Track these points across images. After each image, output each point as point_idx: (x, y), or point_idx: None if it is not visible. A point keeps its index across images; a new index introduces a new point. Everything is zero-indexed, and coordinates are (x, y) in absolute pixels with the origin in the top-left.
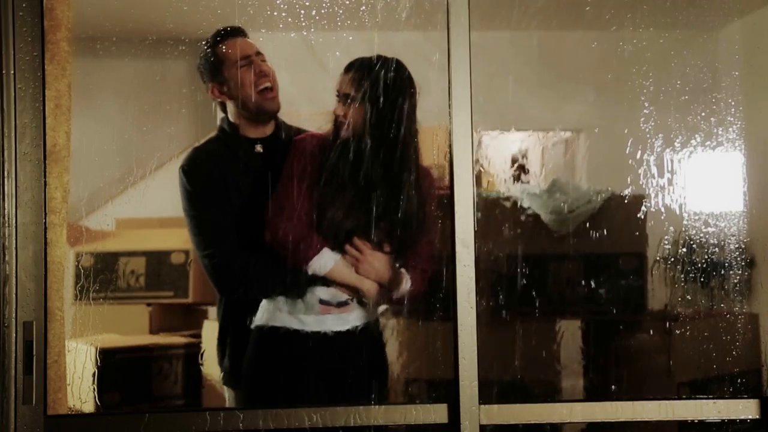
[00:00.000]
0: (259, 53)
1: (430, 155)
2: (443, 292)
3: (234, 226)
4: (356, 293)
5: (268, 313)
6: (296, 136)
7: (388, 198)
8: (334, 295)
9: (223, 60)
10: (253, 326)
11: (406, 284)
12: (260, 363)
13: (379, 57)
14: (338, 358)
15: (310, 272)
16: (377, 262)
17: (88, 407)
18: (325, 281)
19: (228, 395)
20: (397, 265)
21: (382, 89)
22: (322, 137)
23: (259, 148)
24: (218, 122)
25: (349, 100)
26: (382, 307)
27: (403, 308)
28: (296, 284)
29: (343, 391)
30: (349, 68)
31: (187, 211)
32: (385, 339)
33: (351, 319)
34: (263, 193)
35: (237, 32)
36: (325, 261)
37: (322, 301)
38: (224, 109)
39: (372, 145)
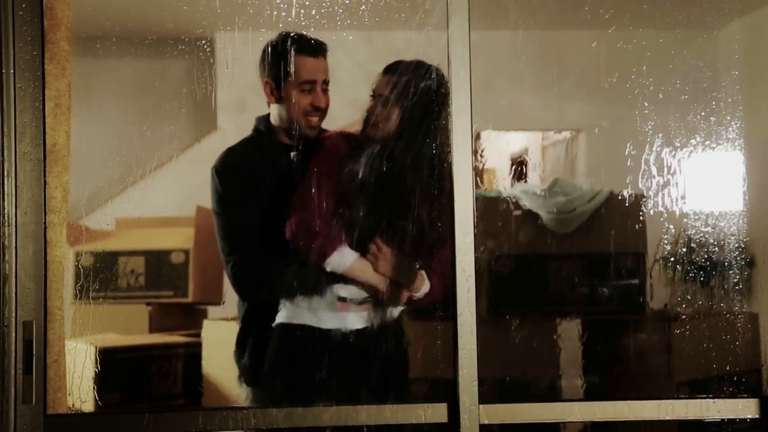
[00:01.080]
0: (326, 81)
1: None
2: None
3: (260, 231)
4: (374, 292)
5: (289, 310)
6: (326, 133)
7: (413, 200)
8: (353, 293)
9: (292, 73)
10: (274, 324)
11: (425, 287)
12: (281, 360)
13: (419, 62)
14: (357, 355)
15: (328, 269)
16: (396, 261)
17: (88, 407)
18: (345, 279)
19: (246, 393)
20: (418, 267)
21: (417, 94)
22: (351, 135)
23: (293, 155)
24: (255, 122)
25: (382, 101)
26: (402, 307)
27: (420, 310)
28: (316, 283)
29: (360, 389)
30: (387, 70)
31: (216, 213)
32: (407, 339)
33: (370, 317)
34: (291, 197)
35: (320, 50)
36: (345, 258)
37: (340, 299)
38: (268, 106)
39: (400, 147)
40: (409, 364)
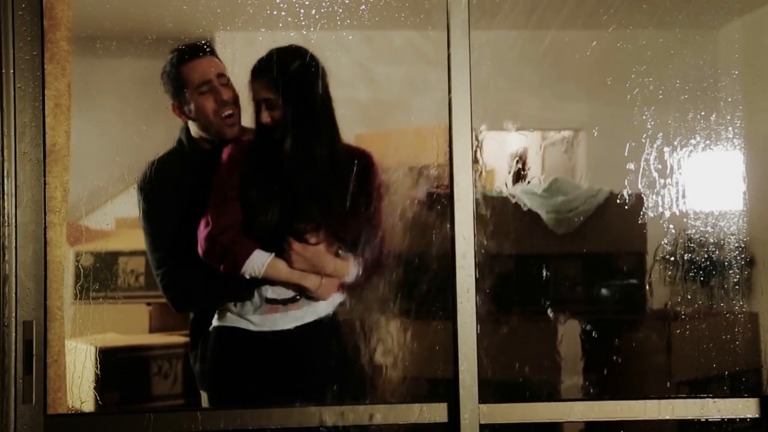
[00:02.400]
0: (221, 75)
1: (430, 155)
2: (443, 291)
3: (186, 244)
4: (299, 289)
5: (222, 314)
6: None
7: (315, 191)
8: (280, 293)
9: (184, 82)
10: (211, 328)
11: (354, 269)
12: (217, 363)
13: (278, 50)
14: (292, 355)
15: (246, 275)
16: (308, 253)
17: (88, 407)
18: (270, 281)
19: (203, 397)
20: (342, 254)
21: (296, 81)
22: (247, 143)
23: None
24: (178, 133)
25: (267, 105)
26: (338, 301)
27: (361, 294)
28: (241, 289)
29: (301, 389)
30: (257, 73)
31: (143, 227)
32: (344, 332)
33: (302, 315)
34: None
35: (199, 51)
36: (257, 261)
37: (268, 300)
38: (186, 124)
39: (291, 140)
40: (349, 358)
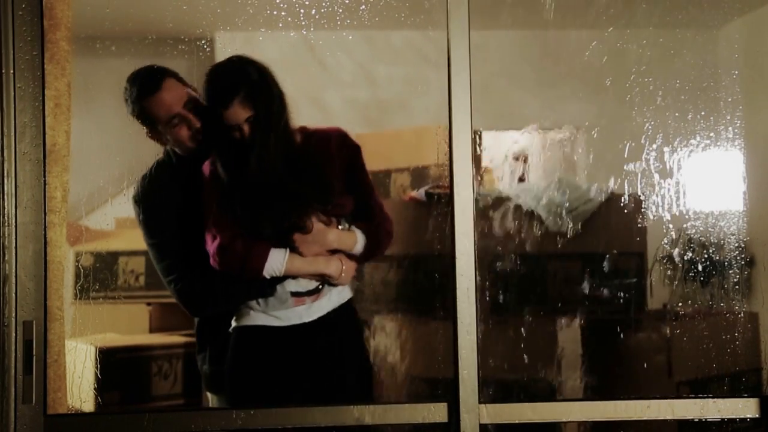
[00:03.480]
0: (187, 102)
1: (431, 154)
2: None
3: (192, 248)
4: (323, 278)
5: (242, 314)
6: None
7: (296, 180)
8: (304, 284)
9: (152, 118)
10: (231, 329)
11: (360, 239)
12: (242, 363)
13: (233, 67)
14: (320, 346)
15: (268, 276)
16: (313, 236)
17: (88, 407)
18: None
19: (212, 400)
20: (342, 227)
21: (262, 95)
22: (215, 159)
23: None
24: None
25: (250, 122)
26: (351, 287)
27: (373, 258)
28: (263, 286)
29: (327, 380)
30: (230, 98)
31: (146, 240)
32: (361, 319)
33: (323, 305)
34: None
35: (157, 83)
36: (276, 260)
37: (293, 294)
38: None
39: (264, 140)
40: (364, 347)
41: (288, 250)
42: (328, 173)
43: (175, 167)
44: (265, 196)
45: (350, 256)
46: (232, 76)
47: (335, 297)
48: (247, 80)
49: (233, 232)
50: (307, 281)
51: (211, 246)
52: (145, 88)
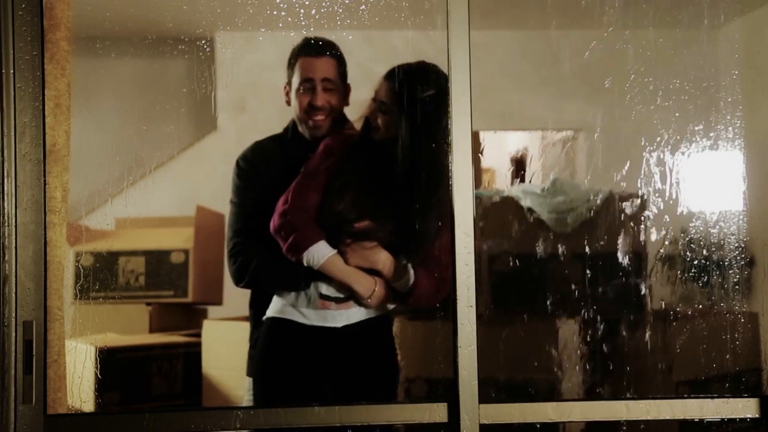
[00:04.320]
0: (326, 79)
1: None
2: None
3: (264, 224)
4: (352, 293)
5: (278, 305)
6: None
7: (399, 201)
8: (335, 290)
9: (294, 72)
10: (264, 318)
11: (408, 277)
12: (268, 354)
13: (421, 66)
14: (338, 353)
15: (305, 262)
16: (362, 247)
17: (88, 407)
18: (328, 277)
19: (247, 384)
20: (404, 261)
21: (416, 102)
22: (348, 137)
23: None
24: (288, 122)
25: (384, 108)
26: (390, 305)
27: (409, 306)
28: (296, 278)
29: (344, 386)
30: (390, 77)
31: (231, 201)
32: (395, 336)
33: (352, 314)
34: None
35: (322, 49)
36: (319, 252)
37: (322, 296)
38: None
39: (395, 153)
40: (394, 363)
41: (336, 250)
42: (437, 218)
43: (286, 143)
44: (360, 192)
45: (390, 286)
46: (407, 70)
47: (366, 310)
48: (439, 85)
49: (303, 205)
50: (337, 288)
51: (279, 207)
52: (309, 46)
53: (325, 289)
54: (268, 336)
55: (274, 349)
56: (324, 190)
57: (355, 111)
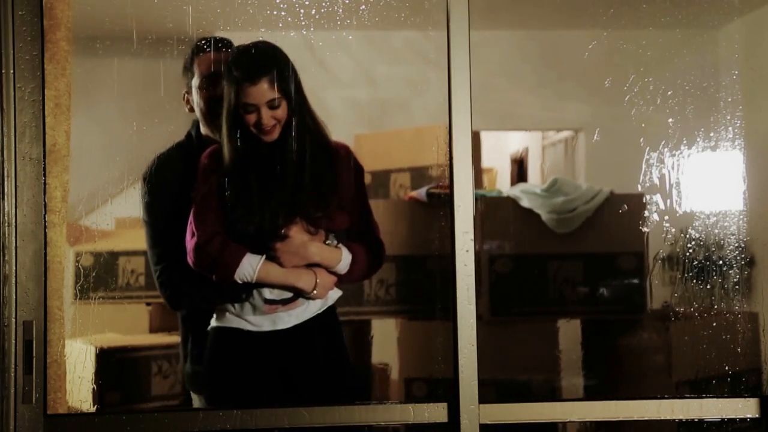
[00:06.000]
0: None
1: (431, 154)
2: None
3: (185, 240)
4: (296, 291)
5: (219, 315)
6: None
7: (292, 186)
8: (279, 293)
9: (194, 73)
10: (209, 328)
11: (346, 258)
12: (217, 364)
13: (257, 48)
14: (292, 354)
15: (239, 281)
16: (292, 247)
17: (88, 407)
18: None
19: (195, 400)
20: (330, 242)
21: (288, 77)
22: (216, 149)
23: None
24: (189, 126)
25: (273, 104)
26: (336, 295)
27: (355, 282)
28: (236, 291)
29: (302, 387)
30: (258, 75)
31: (144, 221)
32: (342, 327)
33: (301, 313)
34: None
35: (215, 45)
36: (249, 267)
37: (267, 301)
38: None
39: (282, 140)
40: (346, 356)
41: (263, 257)
42: (329, 184)
43: (190, 151)
44: (260, 194)
45: (331, 272)
46: (265, 55)
47: (313, 306)
48: (279, 62)
49: (213, 229)
50: (282, 290)
51: (190, 242)
52: (203, 45)
53: (269, 293)
54: (216, 347)
55: (226, 359)
56: (222, 207)
57: (354, 110)
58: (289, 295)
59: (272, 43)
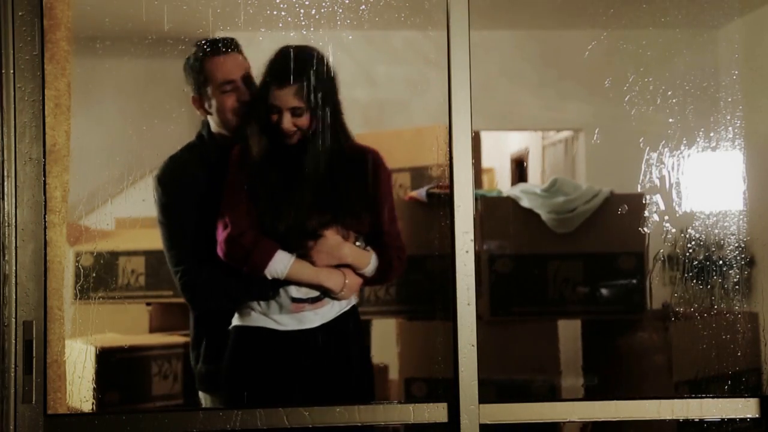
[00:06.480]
0: (246, 76)
1: (431, 154)
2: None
3: (205, 239)
4: (324, 290)
5: (243, 314)
6: (232, 149)
7: (326, 187)
8: (306, 292)
9: (207, 78)
10: (230, 327)
11: (374, 261)
12: (239, 363)
13: (299, 53)
14: (318, 353)
15: (269, 277)
16: (326, 246)
17: (88, 407)
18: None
19: (204, 400)
20: (359, 244)
21: (318, 86)
22: (250, 145)
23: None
24: (199, 127)
25: (297, 112)
26: (358, 296)
27: (377, 285)
28: (264, 288)
29: (326, 386)
30: (285, 80)
31: (160, 222)
32: (364, 327)
33: (327, 312)
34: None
35: (225, 47)
36: (281, 263)
37: (294, 299)
38: (206, 118)
39: (307, 143)
40: (369, 354)
41: (295, 255)
42: (360, 188)
43: (204, 152)
44: (292, 193)
45: (357, 274)
46: (301, 62)
47: (338, 306)
48: (312, 72)
49: (246, 223)
50: (309, 289)
51: (221, 234)
52: (212, 49)
53: (296, 291)
54: (238, 346)
55: (249, 358)
56: (254, 201)
57: (353, 110)
58: (315, 294)
59: (317, 50)
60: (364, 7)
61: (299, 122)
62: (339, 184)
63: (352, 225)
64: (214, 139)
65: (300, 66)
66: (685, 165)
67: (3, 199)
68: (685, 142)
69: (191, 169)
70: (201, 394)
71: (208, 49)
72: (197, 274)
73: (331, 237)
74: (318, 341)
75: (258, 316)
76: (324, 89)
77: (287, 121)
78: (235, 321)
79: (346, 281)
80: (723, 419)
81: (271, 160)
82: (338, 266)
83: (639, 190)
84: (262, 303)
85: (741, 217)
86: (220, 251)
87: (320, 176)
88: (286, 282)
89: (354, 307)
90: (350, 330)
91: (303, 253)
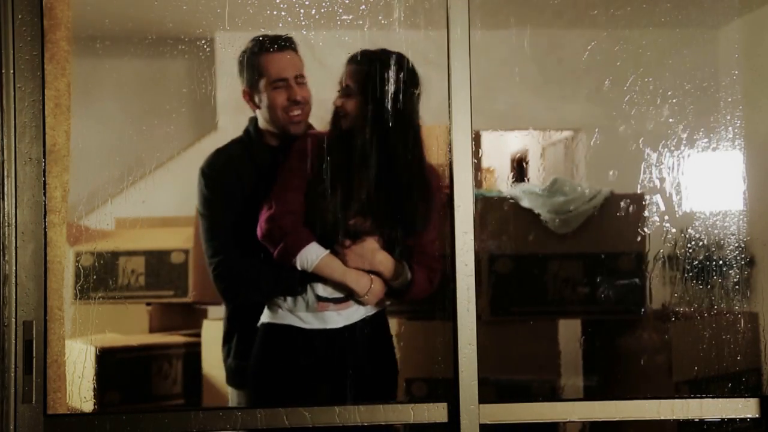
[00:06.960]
0: (299, 75)
1: (431, 154)
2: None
3: (243, 233)
4: (349, 292)
5: (273, 310)
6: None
7: (383, 193)
8: (332, 291)
9: (262, 73)
10: (259, 324)
11: (406, 275)
12: (265, 360)
13: (383, 51)
14: (340, 354)
15: (298, 266)
16: (363, 249)
17: (88, 407)
18: (324, 278)
19: (231, 395)
20: (401, 260)
21: (382, 83)
22: (320, 135)
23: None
24: (247, 123)
25: (349, 92)
26: (386, 302)
27: (406, 301)
28: (292, 283)
29: (346, 388)
30: (352, 60)
31: (201, 214)
32: (393, 333)
33: (351, 314)
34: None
35: (284, 45)
36: (311, 254)
37: (319, 298)
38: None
39: (367, 140)
40: (394, 361)
41: (328, 251)
42: (416, 209)
43: (250, 147)
44: (348, 192)
45: (385, 282)
46: (372, 68)
47: (363, 310)
48: (375, 60)
49: (289, 209)
50: (334, 288)
51: (264, 213)
52: (270, 45)
53: (322, 290)
54: (266, 343)
55: (275, 355)
56: (305, 192)
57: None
58: (340, 294)
59: (399, 62)
60: (364, 7)
61: (347, 104)
62: (398, 197)
63: (396, 240)
64: (261, 135)
65: (379, 60)
66: (685, 165)
67: (3, 199)
68: (685, 142)
69: (236, 163)
70: (229, 390)
71: (265, 45)
72: (231, 265)
73: (370, 242)
74: (340, 342)
75: (285, 314)
76: (395, 91)
77: (337, 98)
78: (264, 318)
79: (372, 286)
80: (723, 419)
81: (336, 159)
82: (368, 271)
83: (639, 190)
84: (289, 299)
85: (741, 217)
86: (258, 230)
87: (381, 184)
88: (314, 278)
89: (381, 314)
90: (375, 334)
91: (337, 250)
